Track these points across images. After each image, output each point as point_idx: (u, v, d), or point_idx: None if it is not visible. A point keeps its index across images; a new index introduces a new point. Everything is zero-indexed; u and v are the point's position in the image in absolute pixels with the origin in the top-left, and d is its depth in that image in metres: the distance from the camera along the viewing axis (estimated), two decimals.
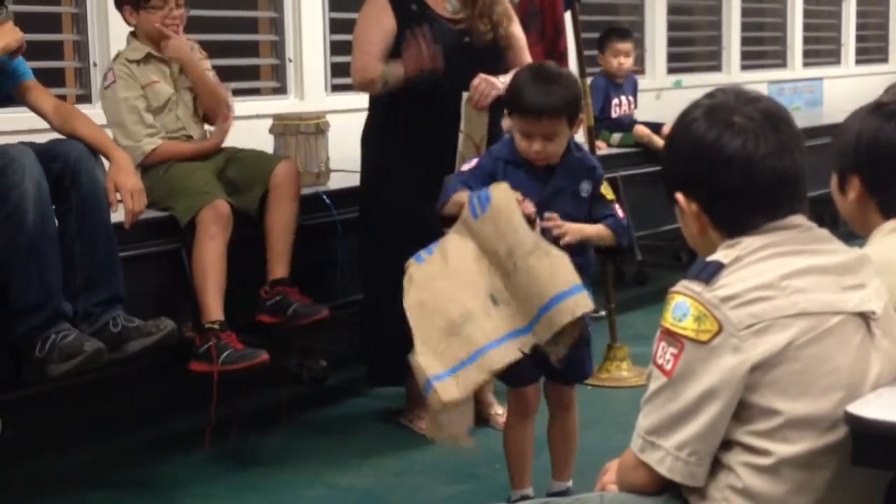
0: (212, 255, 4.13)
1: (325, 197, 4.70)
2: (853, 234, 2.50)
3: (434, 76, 4.20)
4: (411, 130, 4.39)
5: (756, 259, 2.05)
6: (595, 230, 3.55)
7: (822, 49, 10.53)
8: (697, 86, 8.27)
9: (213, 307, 4.15)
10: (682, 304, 2.04)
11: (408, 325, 3.84)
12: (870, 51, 11.27)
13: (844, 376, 2.01)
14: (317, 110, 5.35)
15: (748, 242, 2.08)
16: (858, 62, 10.95)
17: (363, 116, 4.64)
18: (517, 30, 4.52)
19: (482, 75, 4.20)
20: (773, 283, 2.02)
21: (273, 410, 4.88)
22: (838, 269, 2.08)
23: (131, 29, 4.52)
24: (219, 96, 4.57)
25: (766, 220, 2.10)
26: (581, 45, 5.22)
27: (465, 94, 4.18)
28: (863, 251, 2.20)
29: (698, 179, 2.15)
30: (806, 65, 10.15)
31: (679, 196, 2.18)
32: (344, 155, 5.04)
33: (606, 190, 3.61)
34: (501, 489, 3.92)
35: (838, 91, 9.96)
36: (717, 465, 2.06)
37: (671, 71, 8.61)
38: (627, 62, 6.50)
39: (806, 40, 10.14)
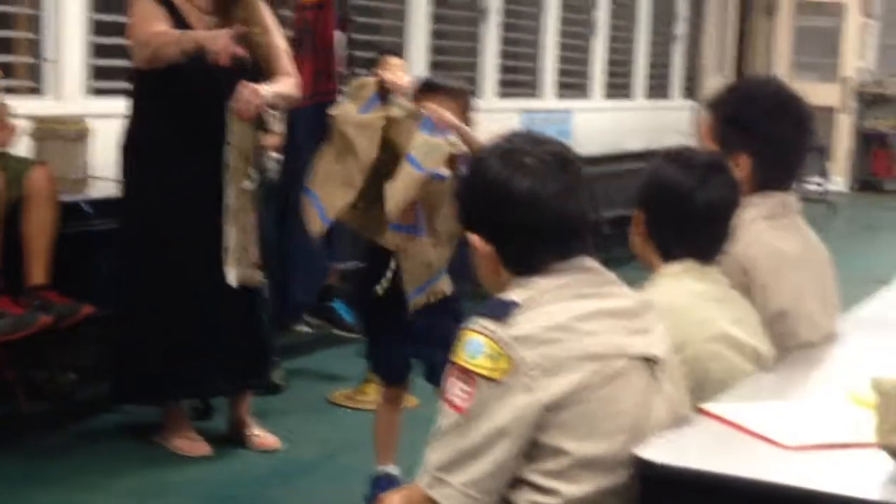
0: None
1: (84, 205, 4.54)
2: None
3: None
4: (176, 143, 4.29)
5: (549, 300, 2.09)
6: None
7: (572, 82, 10.85)
8: None
9: None
10: (476, 342, 2.05)
11: (162, 341, 4.16)
12: (616, 86, 11.69)
13: (629, 419, 2.07)
14: (76, 113, 5.16)
15: (541, 283, 2.12)
16: (607, 96, 11.35)
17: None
18: (275, 39, 4.45)
19: (245, 83, 4.15)
20: (566, 325, 2.06)
21: (15, 427, 4.66)
22: (626, 314, 2.15)
23: None
24: None
25: (554, 261, 2.14)
26: (353, 63, 5.23)
27: (230, 105, 4.11)
28: (647, 297, 2.27)
29: (490, 219, 2.19)
30: (558, 96, 10.44)
31: (473, 236, 2.21)
32: (105, 162, 4.87)
33: None
34: None
35: (587, 123, 10.27)
36: None
37: None
38: (403, 78, 6.52)
39: (558, 72, 10.43)
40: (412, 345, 3.85)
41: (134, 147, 4.43)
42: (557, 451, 2.04)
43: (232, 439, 4.65)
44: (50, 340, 4.64)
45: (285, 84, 4.39)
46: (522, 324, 2.05)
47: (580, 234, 2.17)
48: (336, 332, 5.87)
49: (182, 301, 4.35)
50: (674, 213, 2.47)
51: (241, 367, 4.52)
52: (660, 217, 2.49)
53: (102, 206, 4.62)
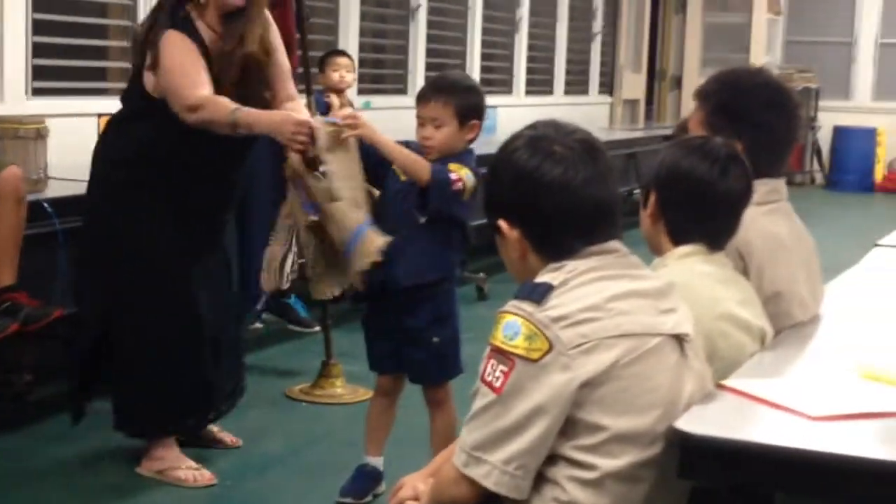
0: None
1: (46, 205, 4.51)
2: None
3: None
4: (184, 167, 4.04)
5: (582, 282, 2.17)
6: (398, 146, 3.70)
7: (495, 78, 10.97)
8: (385, 108, 8.46)
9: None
10: (514, 324, 2.12)
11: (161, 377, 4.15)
12: (537, 82, 11.84)
13: (663, 394, 2.16)
14: (19, 113, 5.13)
15: (573, 266, 2.19)
16: (528, 93, 11.49)
17: (67, 122, 4.37)
18: (282, 58, 4.21)
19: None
20: (600, 305, 2.14)
21: None
22: (654, 294, 2.23)
23: None
24: None
25: (584, 245, 2.22)
26: (308, 62, 5.24)
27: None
28: (669, 279, 2.35)
29: (520, 206, 2.26)
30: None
31: (501, 222, 2.27)
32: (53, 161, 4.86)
33: (455, 167, 3.66)
34: None
35: (510, 120, 10.36)
36: (540, 480, 2.15)
37: (361, 92, 8.74)
38: (349, 77, 6.56)
39: (483, 69, 10.54)
40: (389, 339, 3.88)
41: (134, 164, 4.07)
42: (594, 427, 2.11)
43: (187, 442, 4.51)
44: (5, 340, 4.59)
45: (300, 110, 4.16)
46: (558, 305, 2.12)
47: (610, 220, 2.25)
48: (291, 327, 5.90)
49: (190, 324, 4.18)
50: (692, 201, 2.55)
51: (236, 377, 4.54)
52: (677, 202, 2.57)
53: (63, 205, 4.58)
